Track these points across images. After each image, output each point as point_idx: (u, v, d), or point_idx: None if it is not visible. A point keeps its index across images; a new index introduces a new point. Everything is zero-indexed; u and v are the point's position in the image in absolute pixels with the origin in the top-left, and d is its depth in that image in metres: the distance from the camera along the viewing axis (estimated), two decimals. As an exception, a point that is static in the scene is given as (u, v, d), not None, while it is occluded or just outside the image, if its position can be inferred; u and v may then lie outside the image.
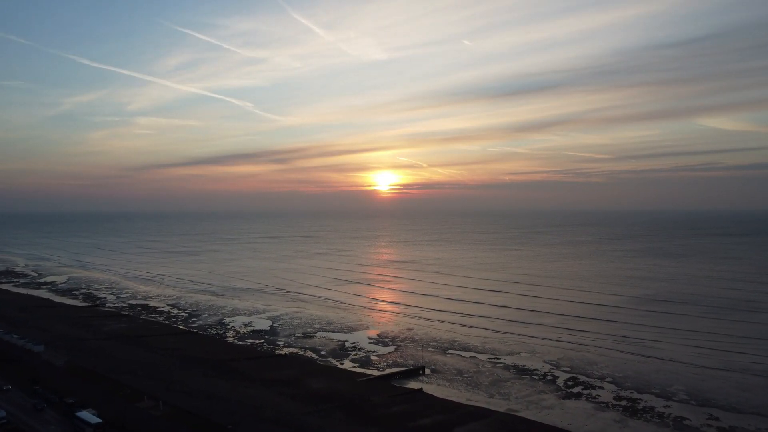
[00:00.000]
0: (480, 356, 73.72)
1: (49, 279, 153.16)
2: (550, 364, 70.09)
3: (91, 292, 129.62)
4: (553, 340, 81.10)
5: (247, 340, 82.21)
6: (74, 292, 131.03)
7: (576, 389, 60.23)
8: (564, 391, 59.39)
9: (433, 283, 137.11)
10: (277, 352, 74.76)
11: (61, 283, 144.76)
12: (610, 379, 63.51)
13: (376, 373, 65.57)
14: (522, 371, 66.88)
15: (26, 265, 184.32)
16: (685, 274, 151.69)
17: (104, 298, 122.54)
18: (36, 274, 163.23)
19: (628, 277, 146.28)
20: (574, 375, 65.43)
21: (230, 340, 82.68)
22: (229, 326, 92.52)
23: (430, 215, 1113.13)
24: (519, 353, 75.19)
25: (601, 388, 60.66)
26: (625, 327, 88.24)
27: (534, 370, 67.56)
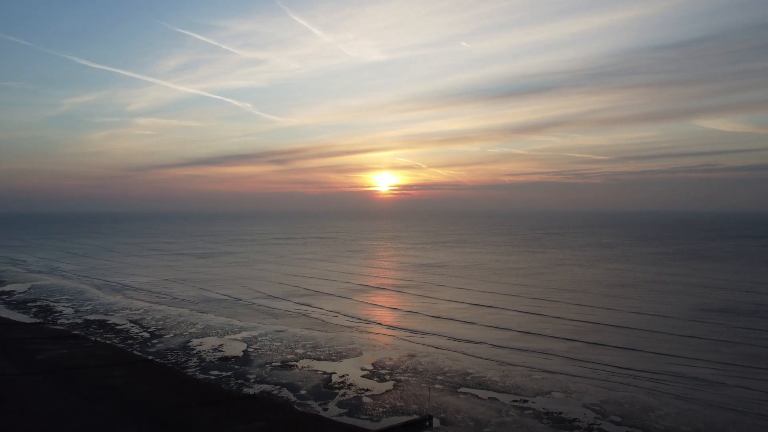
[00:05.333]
0: (501, 397, 57.28)
1: (8, 288, 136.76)
2: (593, 410, 53.98)
3: (48, 305, 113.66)
4: (591, 377, 62.96)
5: (212, 372, 66.53)
6: (29, 304, 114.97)
7: (636, 453, 44.88)
8: (621, 457, 44.07)
9: (442, 297, 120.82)
10: (244, 390, 59.25)
11: (19, 293, 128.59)
12: (677, 436, 48.10)
13: (369, 425, 50.23)
14: (558, 421, 50.78)
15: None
16: (734, 283, 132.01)
17: (60, 312, 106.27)
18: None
19: (672, 292, 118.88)
20: (629, 429, 49.23)
21: (191, 371, 67.07)
22: (195, 351, 76.71)
23: (432, 216, 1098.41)
24: (550, 393, 58.88)
25: (669, 451, 45.26)
26: (679, 360, 68.93)
27: (574, 419, 51.16)
